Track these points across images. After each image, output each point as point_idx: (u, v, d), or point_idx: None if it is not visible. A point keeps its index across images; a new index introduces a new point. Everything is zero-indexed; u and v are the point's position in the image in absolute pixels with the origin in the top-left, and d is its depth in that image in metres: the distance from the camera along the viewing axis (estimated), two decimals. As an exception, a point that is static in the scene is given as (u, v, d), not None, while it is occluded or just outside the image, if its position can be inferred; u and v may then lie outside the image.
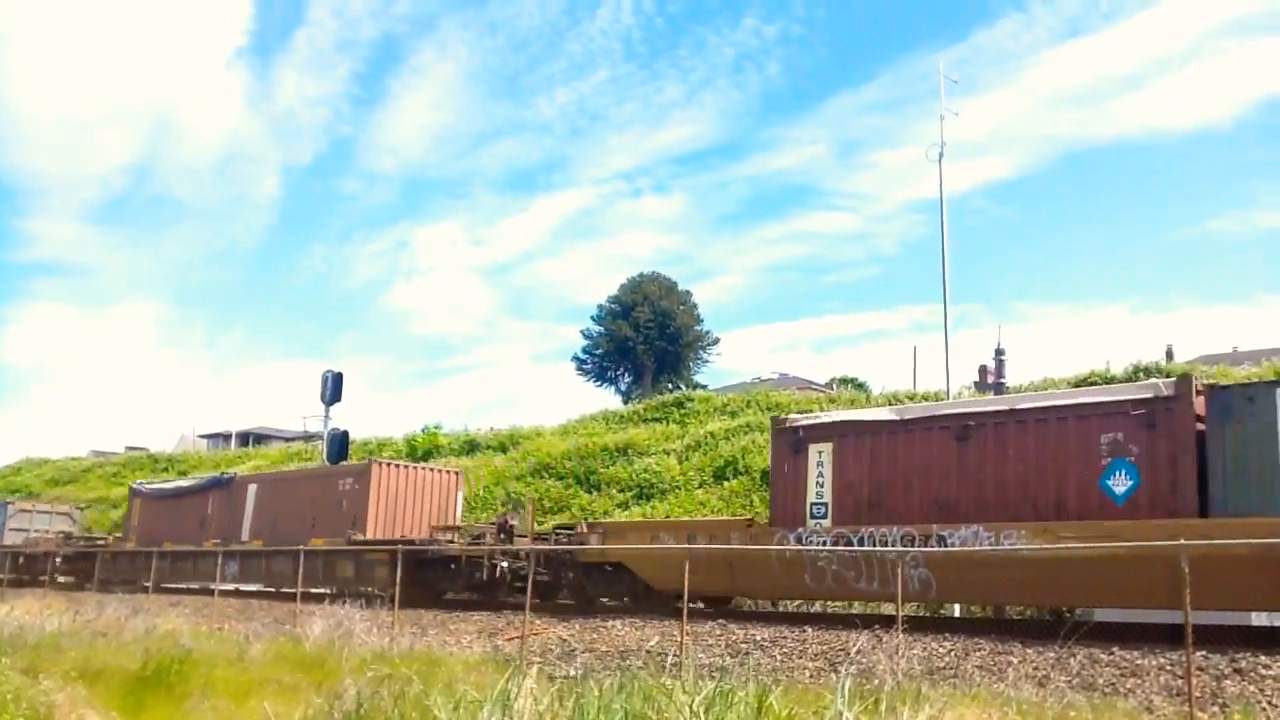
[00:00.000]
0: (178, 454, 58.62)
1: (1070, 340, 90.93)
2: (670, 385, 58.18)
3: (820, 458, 16.17)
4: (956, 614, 17.52)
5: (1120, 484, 13.33)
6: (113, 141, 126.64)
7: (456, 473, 26.38)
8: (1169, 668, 10.44)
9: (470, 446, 40.10)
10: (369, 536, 22.61)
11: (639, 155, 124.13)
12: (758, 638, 13.67)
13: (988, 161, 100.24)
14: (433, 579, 20.92)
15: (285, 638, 15.27)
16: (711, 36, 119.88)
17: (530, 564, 17.09)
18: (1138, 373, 28.79)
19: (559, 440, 36.90)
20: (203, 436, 68.85)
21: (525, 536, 20.75)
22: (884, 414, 16.54)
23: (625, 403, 50.16)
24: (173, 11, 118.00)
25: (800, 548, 15.20)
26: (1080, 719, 8.43)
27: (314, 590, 21.75)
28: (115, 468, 55.34)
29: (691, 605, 18.38)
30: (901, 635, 11.39)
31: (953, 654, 11.81)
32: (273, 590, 24.93)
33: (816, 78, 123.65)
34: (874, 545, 14.52)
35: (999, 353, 20.85)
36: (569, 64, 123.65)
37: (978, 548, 13.57)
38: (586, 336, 63.67)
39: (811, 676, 11.65)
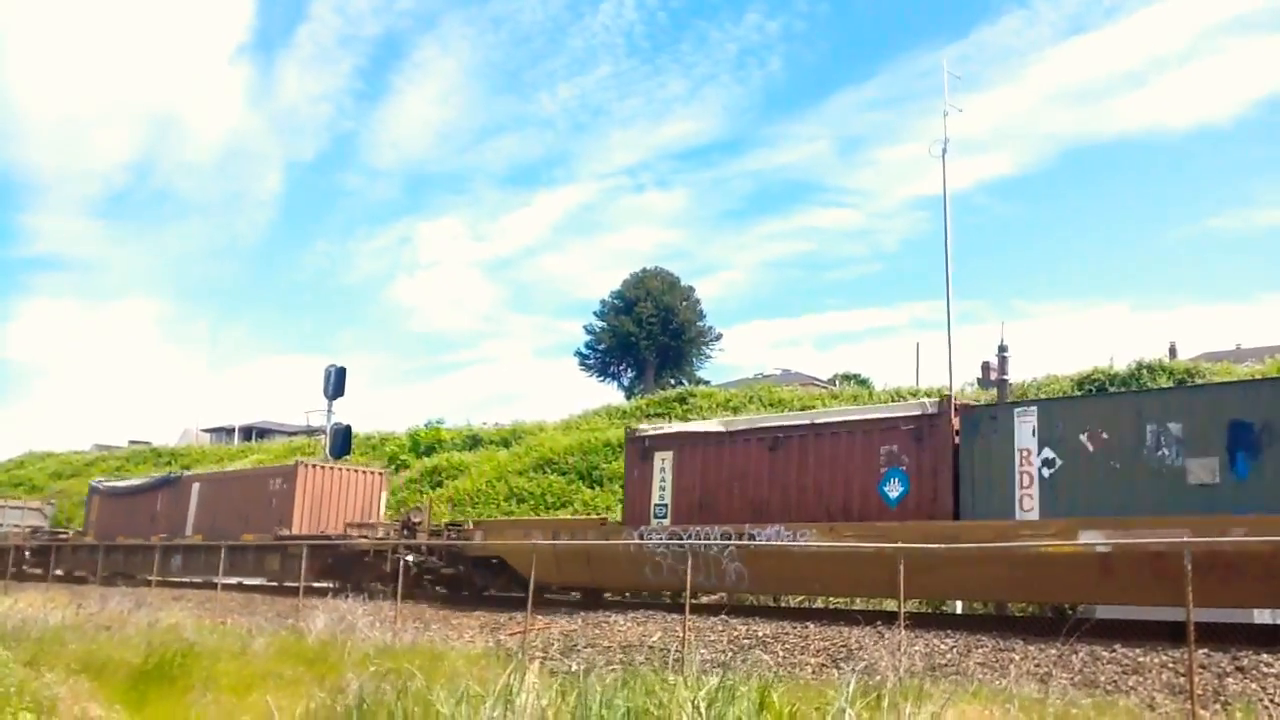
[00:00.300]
0: (180, 448, 58.71)
1: (1072, 337, 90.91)
2: (673, 381, 58.21)
3: (663, 465, 18.25)
4: (959, 610, 17.52)
5: (894, 490, 15.34)
6: (115, 137, 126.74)
7: (380, 473, 28.45)
8: (1171, 665, 10.44)
9: (473, 441, 40.15)
10: (294, 532, 24.19)
11: (642, 150, 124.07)
12: (760, 634, 13.68)
13: (990, 158, 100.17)
14: (347, 571, 22.61)
15: (288, 632, 15.30)
16: (714, 32, 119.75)
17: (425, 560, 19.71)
18: (1141, 369, 28.77)
19: (562, 435, 36.94)
20: (206, 431, 68.96)
21: (425, 533, 22.30)
22: (714, 426, 18.32)
23: (628, 398, 50.17)
24: (175, 8, 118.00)
25: (638, 542, 17.31)
26: (1082, 716, 8.42)
27: (312, 584, 21.89)
28: (119, 461, 55.44)
29: (558, 595, 18.64)
30: (904, 632, 11.39)
31: (955, 651, 11.81)
32: (275, 585, 25.15)
33: (819, 74, 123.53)
34: (701, 542, 16.36)
35: (1002, 349, 20.80)
36: (571, 59, 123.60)
37: (777, 544, 15.58)
38: (589, 332, 63.69)
39: (813, 673, 11.66)
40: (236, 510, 26.63)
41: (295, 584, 20.67)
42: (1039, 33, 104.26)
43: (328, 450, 30.64)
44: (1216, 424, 12.71)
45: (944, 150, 23.78)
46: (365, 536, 22.94)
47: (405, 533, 22.27)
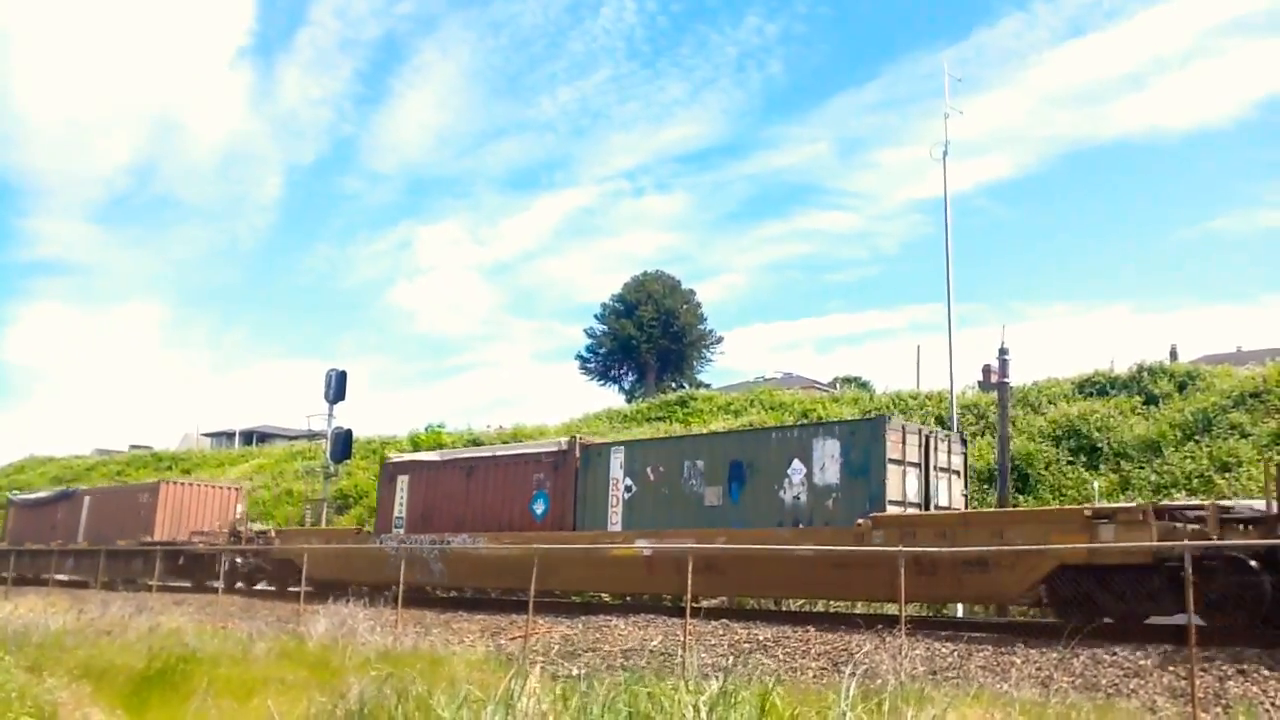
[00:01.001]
0: (181, 452, 58.72)
1: (1072, 340, 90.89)
2: (673, 384, 58.21)
3: (402, 486, 23.12)
4: (960, 614, 17.52)
5: (539, 507, 20.31)
6: (116, 141, 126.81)
7: (235, 489, 33.69)
8: (1172, 669, 10.44)
9: (473, 444, 40.15)
10: (156, 539, 28.97)
11: (641, 154, 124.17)
12: (760, 638, 13.68)
13: (990, 161, 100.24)
14: (193, 572, 27.87)
15: (289, 636, 15.29)
16: (714, 35, 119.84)
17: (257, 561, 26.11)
18: (1141, 372, 28.74)
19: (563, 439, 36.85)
20: (206, 435, 68.99)
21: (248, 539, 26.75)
22: (434, 456, 23.58)
23: (629, 401, 50.20)
24: (175, 12, 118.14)
25: (379, 546, 22.20)
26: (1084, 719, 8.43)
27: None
28: (119, 466, 55.46)
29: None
30: (905, 636, 11.39)
31: (956, 654, 11.81)
32: (274, 589, 25.52)
33: (819, 76, 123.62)
34: (419, 547, 21.46)
35: (1003, 352, 20.77)
36: (571, 63, 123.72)
37: (464, 547, 20.62)
38: (590, 335, 63.71)
39: (814, 677, 11.66)
40: (115, 520, 31.34)
41: (152, 581, 25.14)
42: (1038, 35, 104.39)
43: (328, 454, 30.67)
44: (723, 463, 17.64)
45: (945, 153, 23.80)
46: (202, 542, 28.21)
47: (233, 539, 27.24)
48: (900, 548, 11.95)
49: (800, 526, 16.19)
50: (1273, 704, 9.42)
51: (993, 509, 19.14)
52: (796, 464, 16.71)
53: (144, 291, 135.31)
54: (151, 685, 10.83)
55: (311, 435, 49.18)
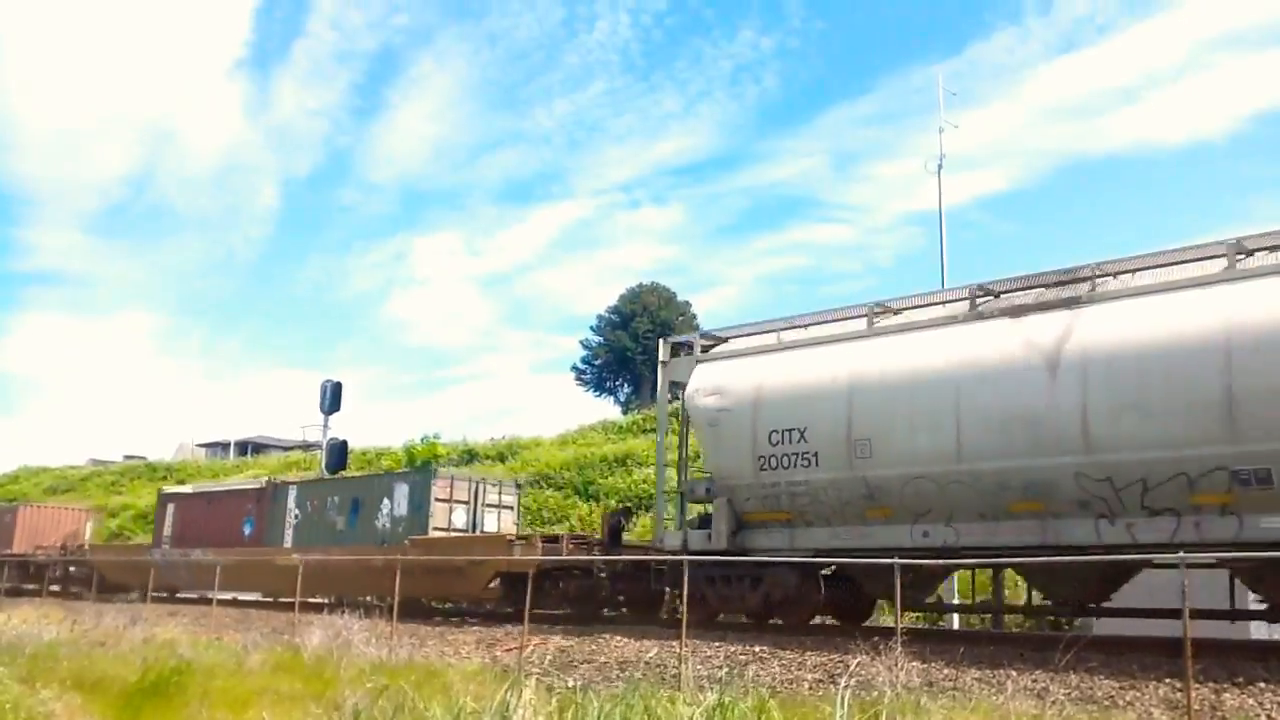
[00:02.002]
0: (176, 463, 58.58)
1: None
2: (669, 396, 58.05)
3: (169, 511, 29.69)
4: (955, 626, 17.51)
5: (247, 529, 26.72)
6: (112, 151, 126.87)
7: (85, 511, 39.82)
8: (1168, 680, 10.44)
9: (469, 456, 40.12)
10: (13, 552, 34.61)
11: (637, 166, 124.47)
12: (756, 649, 13.66)
13: (983, 174, 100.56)
14: (40, 578, 32.43)
15: (283, 647, 15.24)
16: (709, 49, 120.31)
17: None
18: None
19: (558, 450, 36.93)
20: (201, 446, 68.79)
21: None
22: (188, 490, 32.28)
23: (624, 413, 50.17)
24: (172, 23, 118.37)
25: (151, 558, 28.27)
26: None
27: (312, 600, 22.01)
28: (114, 476, 55.34)
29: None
30: (901, 648, 11.38)
31: (951, 666, 11.79)
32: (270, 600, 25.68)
33: (813, 90, 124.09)
34: (174, 558, 27.98)
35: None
36: (567, 76, 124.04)
37: (197, 559, 26.93)
38: (586, 346, 63.74)
39: (810, 688, 11.64)
40: None
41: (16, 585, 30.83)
42: (1031, 50, 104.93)
43: (323, 465, 30.61)
44: (348, 499, 24.22)
45: (939, 166, 23.93)
46: (42, 554, 33.76)
47: (64, 551, 33.50)
48: (404, 557, 18.93)
49: (384, 545, 22.13)
50: (1269, 716, 9.43)
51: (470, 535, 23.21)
52: (385, 501, 23.08)
53: (139, 302, 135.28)
54: (146, 696, 10.80)
55: (306, 446, 49.16)
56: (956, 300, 14.87)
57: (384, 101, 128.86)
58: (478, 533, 22.24)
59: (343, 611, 17.35)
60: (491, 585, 19.42)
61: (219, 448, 67.24)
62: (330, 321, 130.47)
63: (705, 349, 17.41)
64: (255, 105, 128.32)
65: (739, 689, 9.72)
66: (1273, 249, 12.25)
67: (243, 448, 65.49)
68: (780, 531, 15.50)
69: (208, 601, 24.18)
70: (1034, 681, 10.87)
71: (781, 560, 14.97)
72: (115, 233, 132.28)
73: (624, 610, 19.12)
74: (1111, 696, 10.29)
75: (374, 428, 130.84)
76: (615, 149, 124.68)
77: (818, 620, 17.04)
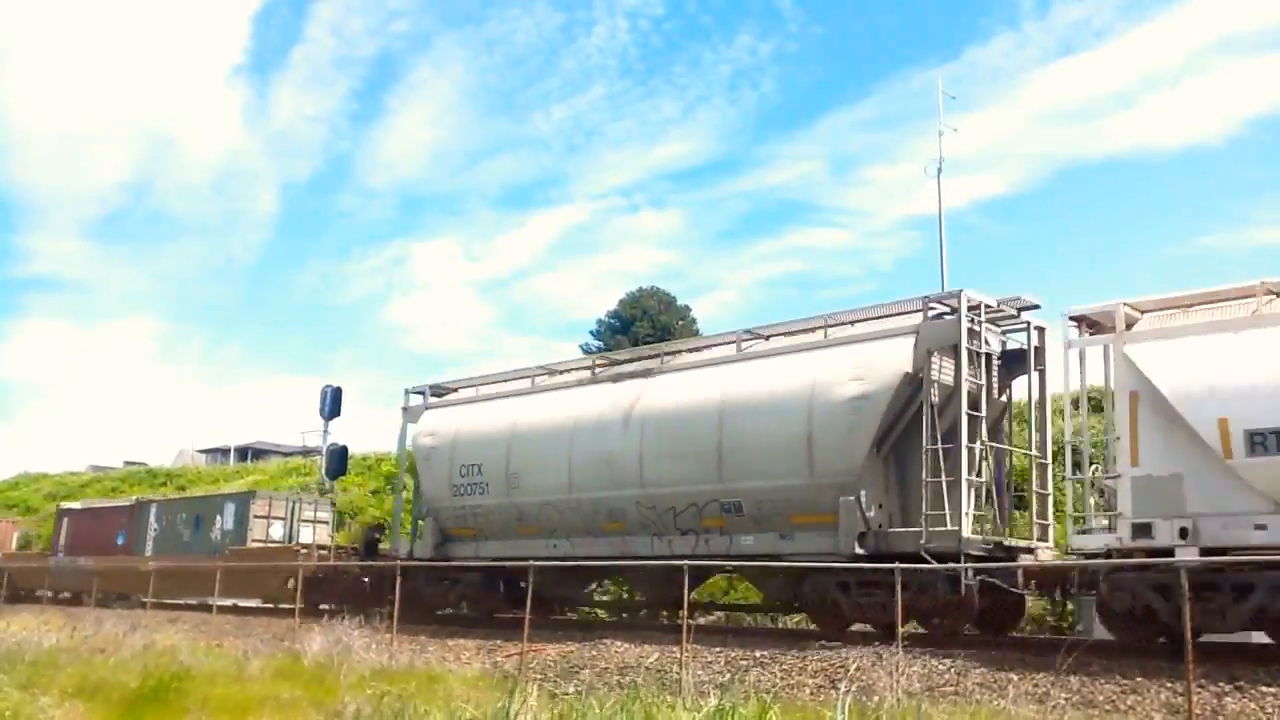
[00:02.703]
0: (176, 469, 58.56)
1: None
2: (669, 400, 58.05)
3: (64, 523, 33.15)
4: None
5: (120, 540, 30.17)
6: (111, 158, 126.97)
7: (14, 522, 44.43)
8: (1169, 684, 10.43)
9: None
10: None
11: (635, 171, 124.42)
12: (757, 654, 13.65)
13: (982, 178, 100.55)
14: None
15: (284, 654, 15.23)
16: (707, 54, 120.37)
17: None
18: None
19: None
20: (201, 451, 68.70)
21: None
22: (78, 506, 35.70)
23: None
24: (170, 29, 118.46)
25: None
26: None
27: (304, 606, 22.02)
28: (114, 482, 55.25)
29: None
30: (901, 653, 11.38)
31: (953, 671, 11.78)
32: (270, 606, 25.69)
33: (811, 95, 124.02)
34: (66, 564, 31.42)
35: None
36: (565, 81, 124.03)
37: (81, 565, 30.22)
38: (586, 351, 63.68)
39: (811, 694, 11.64)
40: None
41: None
42: (1029, 54, 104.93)
43: (323, 471, 30.55)
44: (193, 515, 28.29)
45: (939, 169, 23.98)
46: None
47: None
48: (223, 563, 23.78)
49: (215, 554, 25.57)
50: (1270, 720, 9.43)
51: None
52: (218, 517, 27.13)
53: (139, 308, 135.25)
54: (146, 703, 10.79)
55: (306, 452, 49.08)
56: (581, 368, 19.75)
57: (383, 107, 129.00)
58: (292, 543, 26.27)
59: (343, 618, 17.36)
60: (289, 585, 22.98)
61: (219, 453, 67.16)
62: (330, 327, 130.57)
63: (435, 397, 21.90)
64: (254, 111, 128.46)
65: (740, 694, 9.72)
66: (768, 338, 16.85)
67: (243, 453, 65.41)
68: (470, 544, 19.89)
69: (208, 608, 24.19)
70: (1035, 686, 10.86)
71: (471, 565, 19.27)
72: (115, 239, 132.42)
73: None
74: (1113, 700, 10.29)
75: (374, 433, 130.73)
76: (613, 154, 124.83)
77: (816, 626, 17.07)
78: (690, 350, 18.23)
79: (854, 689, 10.91)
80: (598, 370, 19.10)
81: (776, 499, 15.14)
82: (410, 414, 22.04)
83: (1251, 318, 12.12)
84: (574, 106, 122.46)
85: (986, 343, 14.71)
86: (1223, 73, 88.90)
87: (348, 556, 23.61)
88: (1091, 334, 13.42)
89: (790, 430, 14.98)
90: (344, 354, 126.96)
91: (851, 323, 15.91)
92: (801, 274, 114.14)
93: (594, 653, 14.96)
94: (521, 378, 20.45)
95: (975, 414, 14.05)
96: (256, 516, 26.47)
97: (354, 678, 12.23)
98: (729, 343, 17.39)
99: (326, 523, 28.01)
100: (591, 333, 63.49)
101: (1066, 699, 10.34)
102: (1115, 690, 10.54)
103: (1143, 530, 12.12)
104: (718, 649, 14.14)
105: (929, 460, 13.79)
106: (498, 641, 16.84)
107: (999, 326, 15.14)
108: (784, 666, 13.00)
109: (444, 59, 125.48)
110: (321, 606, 21.90)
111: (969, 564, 13.07)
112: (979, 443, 14.26)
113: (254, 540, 26.12)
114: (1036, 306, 14.85)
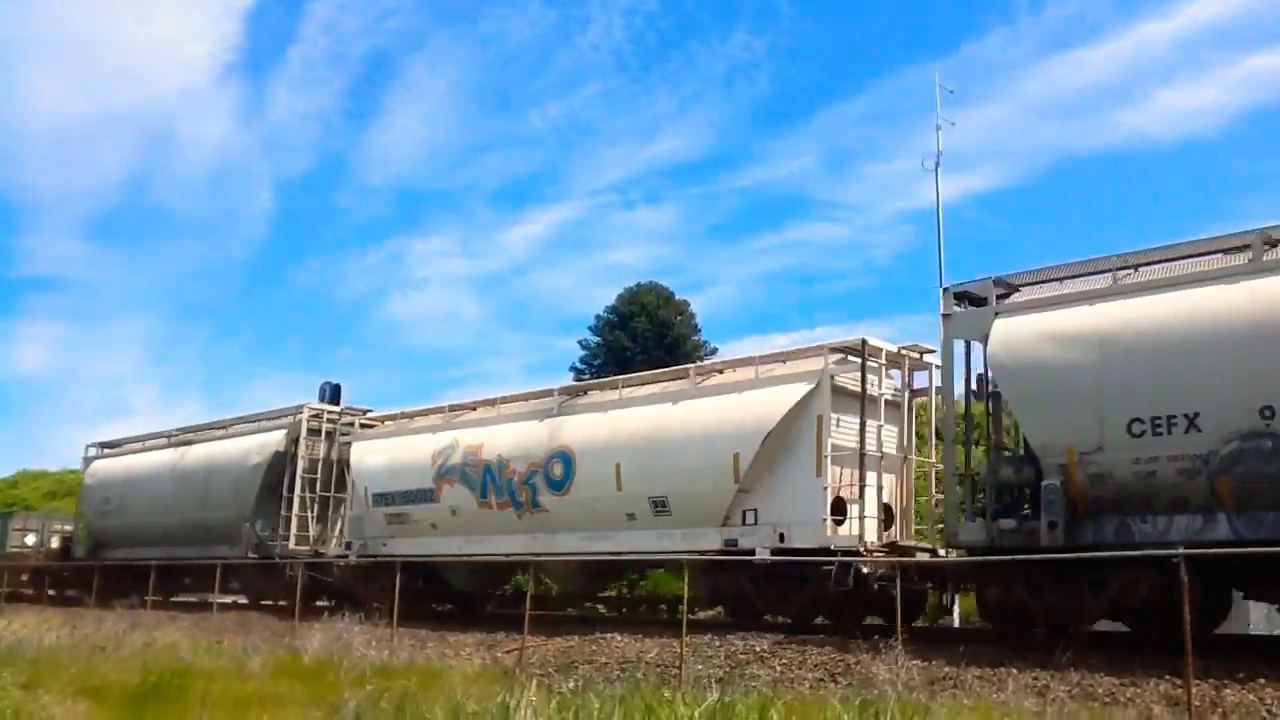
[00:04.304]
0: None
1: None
2: (668, 396, 58.00)
3: None
4: (955, 624, 17.52)
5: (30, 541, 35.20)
6: (106, 158, 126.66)
7: None
8: (1169, 677, 10.44)
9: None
10: None
11: (631, 167, 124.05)
12: (757, 649, 13.66)
13: (978, 173, 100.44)
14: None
15: (284, 651, 15.23)
16: (702, 50, 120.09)
17: None
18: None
19: None
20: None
21: None
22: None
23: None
24: (162, 28, 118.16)
25: None
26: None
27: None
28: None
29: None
30: (902, 646, 11.40)
31: (952, 665, 11.80)
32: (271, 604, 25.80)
33: (806, 90, 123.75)
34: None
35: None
36: (560, 78, 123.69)
37: None
38: (584, 347, 63.53)
39: (811, 688, 11.64)
40: None
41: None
42: (1024, 49, 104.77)
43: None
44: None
45: (937, 164, 23.92)
46: None
47: None
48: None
49: None
50: (1269, 711, 9.44)
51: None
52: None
53: (136, 307, 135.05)
54: (147, 700, 10.78)
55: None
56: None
57: (377, 105, 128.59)
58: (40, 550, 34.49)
59: (343, 615, 17.38)
60: (24, 579, 32.88)
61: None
62: (328, 325, 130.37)
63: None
64: (248, 109, 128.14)
65: (740, 688, 9.73)
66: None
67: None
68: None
69: (208, 606, 24.21)
70: (1035, 679, 10.87)
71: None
72: (112, 238, 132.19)
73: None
74: (1112, 693, 10.30)
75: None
76: (609, 150, 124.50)
77: (819, 619, 17.11)
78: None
79: (854, 683, 10.95)
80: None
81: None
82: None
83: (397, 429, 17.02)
84: (569, 103, 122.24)
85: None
86: (1218, 67, 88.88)
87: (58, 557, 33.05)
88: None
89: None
90: (343, 352, 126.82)
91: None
92: (799, 269, 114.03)
93: (594, 648, 14.98)
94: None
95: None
96: (14, 530, 35.39)
97: (354, 674, 12.23)
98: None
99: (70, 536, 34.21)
100: (590, 328, 63.47)
101: (1066, 692, 10.36)
102: (1115, 683, 10.55)
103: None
104: (718, 644, 14.14)
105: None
106: (498, 637, 16.85)
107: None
108: (784, 661, 13.01)
109: (438, 56, 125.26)
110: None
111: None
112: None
113: (12, 548, 34.60)
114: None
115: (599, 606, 22.02)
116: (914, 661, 11.34)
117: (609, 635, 15.67)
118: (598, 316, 63.08)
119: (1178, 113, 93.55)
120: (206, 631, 19.60)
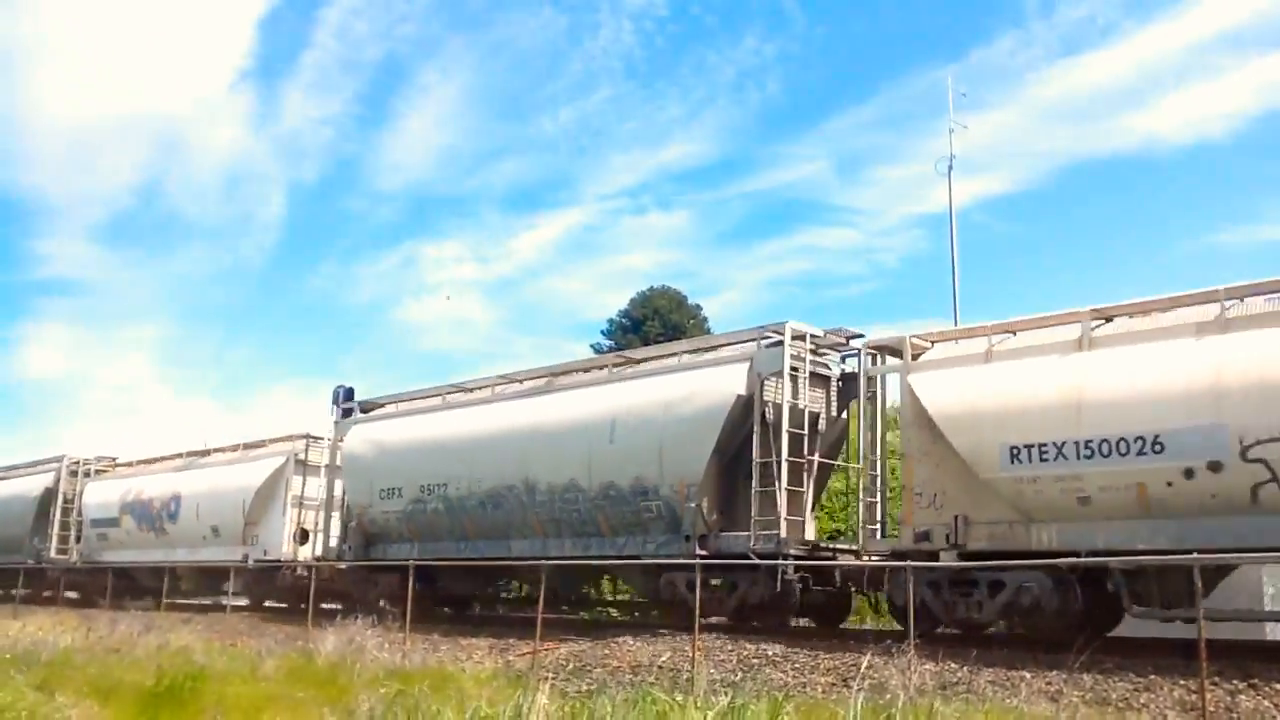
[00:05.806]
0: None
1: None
2: (680, 399, 57.93)
3: None
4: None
5: None
6: (119, 162, 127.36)
7: None
8: (1183, 682, 10.38)
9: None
10: None
11: (642, 172, 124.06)
12: (769, 653, 13.64)
13: (988, 177, 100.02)
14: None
15: (297, 654, 15.29)
16: (712, 55, 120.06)
17: None
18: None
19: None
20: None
21: None
22: None
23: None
24: (176, 34, 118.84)
25: None
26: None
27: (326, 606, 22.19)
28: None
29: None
30: (914, 651, 11.37)
31: (965, 669, 11.76)
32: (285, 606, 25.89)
33: (816, 95, 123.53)
34: None
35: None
36: (571, 83, 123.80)
37: None
38: (597, 351, 63.66)
39: (823, 692, 11.63)
40: None
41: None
42: (1034, 53, 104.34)
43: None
44: None
45: (950, 167, 23.92)
46: None
47: None
48: None
49: None
50: (1285, 718, 9.38)
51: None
52: None
53: (148, 311, 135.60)
54: (161, 703, 10.85)
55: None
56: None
57: (390, 110, 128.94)
58: None
59: (355, 618, 17.43)
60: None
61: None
62: (341, 329, 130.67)
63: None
64: (261, 115, 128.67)
65: (752, 692, 9.72)
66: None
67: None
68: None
69: (221, 608, 24.32)
70: (1048, 684, 10.83)
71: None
72: (124, 243, 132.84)
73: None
74: (1126, 698, 10.25)
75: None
76: (620, 155, 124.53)
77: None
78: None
79: (866, 687, 10.91)
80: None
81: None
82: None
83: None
84: (580, 109, 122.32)
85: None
86: (1229, 70, 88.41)
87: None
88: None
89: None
90: (355, 356, 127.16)
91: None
92: (810, 273, 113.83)
93: (606, 651, 14.97)
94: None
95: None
96: None
97: (367, 677, 12.27)
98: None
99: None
100: (603, 332, 63.43)
101: (1080, 697, 10.31)
102: (1129, 688, 10.50)
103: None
104: (730, 648, 14.13)
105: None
106: (510, 640, 16.86)
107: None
108: (796, 665, 12.99)
109: (450, 62, 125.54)
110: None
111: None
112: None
113: None
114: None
115: (611, 610, 22.02)
116: (926, 665, 11.30)
117: (621, 639, 15.67)
118: (611, 320, 63.08)
119: (1189, 116, 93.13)
120: (220, 634, 19.68)
